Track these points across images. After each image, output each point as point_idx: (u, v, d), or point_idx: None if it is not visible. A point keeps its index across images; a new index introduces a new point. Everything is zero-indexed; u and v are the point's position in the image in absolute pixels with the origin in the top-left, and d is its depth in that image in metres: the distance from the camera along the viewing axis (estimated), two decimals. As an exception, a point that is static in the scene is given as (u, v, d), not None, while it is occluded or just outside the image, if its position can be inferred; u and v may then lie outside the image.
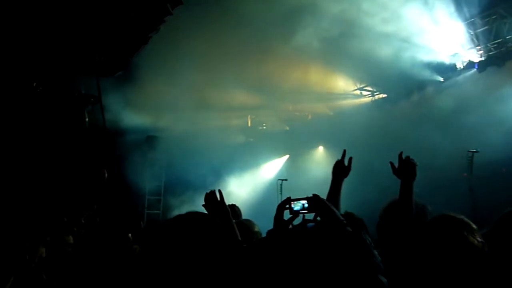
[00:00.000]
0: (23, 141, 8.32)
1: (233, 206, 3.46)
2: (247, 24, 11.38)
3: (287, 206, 2.16)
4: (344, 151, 2.84)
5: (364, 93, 14.90)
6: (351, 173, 2.82)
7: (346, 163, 2.82)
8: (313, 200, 2.07)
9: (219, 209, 2.53)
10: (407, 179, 2.57)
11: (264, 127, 16.93)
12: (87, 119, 10.19)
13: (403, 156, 2.66)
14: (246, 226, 2.89)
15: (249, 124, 16.35)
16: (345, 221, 1.85)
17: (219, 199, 2.61)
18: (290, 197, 2.19)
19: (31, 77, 8.30)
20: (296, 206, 2.14)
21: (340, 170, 2.79)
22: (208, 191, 2.66)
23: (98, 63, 9.28)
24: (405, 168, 2.58)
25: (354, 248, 1.68)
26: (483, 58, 11.44)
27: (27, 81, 8.19)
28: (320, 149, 15.65)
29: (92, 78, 9.68)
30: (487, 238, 2.02)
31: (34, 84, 8.26)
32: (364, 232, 1.76)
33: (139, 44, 8.88)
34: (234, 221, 2.56)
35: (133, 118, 12.13)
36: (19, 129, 8.24)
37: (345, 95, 14.81)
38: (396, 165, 2.67)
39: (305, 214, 2.08)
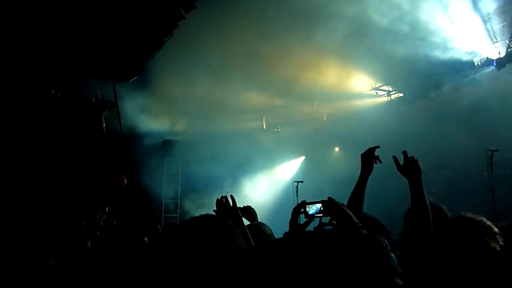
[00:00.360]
0: (41, 146, 8.49)
1: (248, 208, 3.46)
2: (261, 24, 11.41)
3: (302, 210, 2.15)
4: (375, 147, 2.77)
5: (380, 93, 14.73)
6: (372, 174, 2.76)
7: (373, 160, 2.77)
8: (328, 204, 2.05)
9: (232, 215, 2.52)
10: (413, 176, 2.51)
11: (279, 129, 16.90)
12: (104, 125, 10.37)
13: (408, 155, 2.60)
14: (259, 228, 2.87)
15: (264, 127, 16.33)
16: (360, 224, 1.83)
17: (231, 204, 2.61)
18: (305, 201, 2.18)
19: (49, 83, 8.48)
20: (311, 209, 2.13)
21: (367, 162, 2.72)
22: (219, 197, 2.66)
23: (114, 69, 9.44)
24: (409, 165, 2.52)
25: (370, 251, 1.65)
26: (501, 55, 11.20)
27: (45, 88, 8.37)
28: (336, 150, 15.56)
29: (109, 84, 9.85)
30: (504, 232, 1.96)
31: (52, 91, 8.44)
32: (380, 235, 1.73)
33: (153, 49, 9.01)
34: (249, 223, 2.55)
35: (149, 123, 12.26)
36: (38, 134, 8.42)
37: (361, 95, 14.67)
38: (401, 162, 2.62)
39: (321, 218, 2.06)
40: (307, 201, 2.18)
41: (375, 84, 14.29)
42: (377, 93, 14.61)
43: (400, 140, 11.00)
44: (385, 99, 14.75)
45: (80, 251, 3.42)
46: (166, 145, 14.29)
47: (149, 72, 10.49)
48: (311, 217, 2.11)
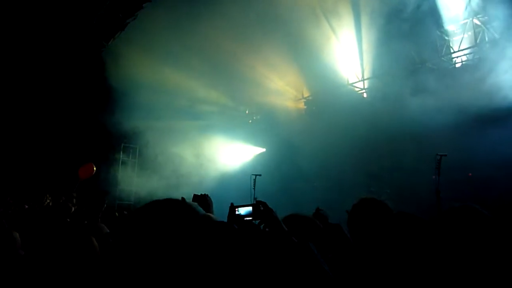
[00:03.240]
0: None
1: (205, 196, 3.42)
2: (224, 18, 11.64)
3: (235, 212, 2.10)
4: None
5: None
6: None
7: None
8: (258, 207, 1.99)
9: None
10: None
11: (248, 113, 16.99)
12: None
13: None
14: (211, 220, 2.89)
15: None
16: (287, 231, 1.84)
17: (208, 203, 2.65)
18: (232, 204, 2.14)
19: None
20: (243, 211, 2.09)
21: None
22: (198, 194, 2.68)
23: (75, 47, 9.03)
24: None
25: (299, 257, 1.66)
26: (457, 65, 11.78)
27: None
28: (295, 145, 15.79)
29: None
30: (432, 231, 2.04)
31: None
32: (311, 243, 1.74)
33: (116, 30, 8.70)
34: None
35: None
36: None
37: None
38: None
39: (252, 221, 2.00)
40: (236, 205, 2.13)
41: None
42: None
43: (357, 141, 11.37)
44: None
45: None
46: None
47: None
48: (240, 218, 2.06)
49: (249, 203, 2.09)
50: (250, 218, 2.03)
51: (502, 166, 8.71)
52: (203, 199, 3.36)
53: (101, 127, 11.92)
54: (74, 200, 6.45)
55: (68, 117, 10.07)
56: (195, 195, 3.10)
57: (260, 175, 11.09)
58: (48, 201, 6.08)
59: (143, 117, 13.05)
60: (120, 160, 14.72)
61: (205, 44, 13.59)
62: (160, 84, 12.47)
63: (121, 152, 14.75)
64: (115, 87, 11.37)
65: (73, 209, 5.63)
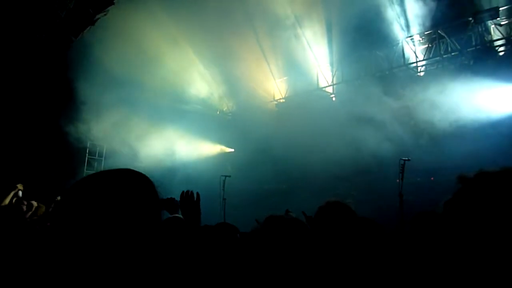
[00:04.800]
0: None
1: (171, 200, 3.42)
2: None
3: None
4: None
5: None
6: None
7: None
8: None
9: (193, 210, 2.58)
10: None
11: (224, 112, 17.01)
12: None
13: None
14: (179, 220, 2.92)
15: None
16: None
17: (195, 199, 2.64)
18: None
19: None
20: None
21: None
22: (185, 191, 2.69)
23: (39, 41, 8.72)
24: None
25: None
26: (422, 74, 12.25)
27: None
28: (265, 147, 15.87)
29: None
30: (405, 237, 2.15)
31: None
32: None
33: (85, 25, 8.48)
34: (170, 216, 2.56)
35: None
36: None
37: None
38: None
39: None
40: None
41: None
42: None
43: (326, 144, 11.59)
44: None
45: None
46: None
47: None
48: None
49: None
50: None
51: (461, 170, 9.11)
52: (170, 203, 3.37)
53: (65, 126, 11.65)
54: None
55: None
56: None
57: (229, 176, 11.06)
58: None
59: (111, 113, 12.83)
60: (86, 159, 14.34)
61: (176, 42, 13.57)
62: (129, 82, 12.27)
63: (87, 152, 14.37)
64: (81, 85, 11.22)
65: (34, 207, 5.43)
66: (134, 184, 1.15)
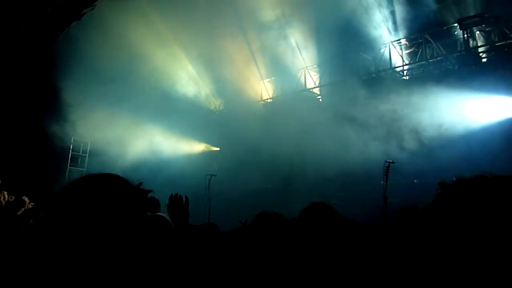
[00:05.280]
0: None
1: (153, 199, 3.41)
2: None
3: None
4: None
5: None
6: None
7: None
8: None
9: (181, 213, 2.58)
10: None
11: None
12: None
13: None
14: (163, 219, 2.91)
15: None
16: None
17: (184, 202, 2.64)
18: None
19: None
20: None
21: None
22: (174, 194, 2.69)
23: (23, 35, 8.55)
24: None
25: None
26: (408, 78, 12.42)
27: None
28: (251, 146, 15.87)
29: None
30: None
31: None
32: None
33: (72, 19, 8.35)
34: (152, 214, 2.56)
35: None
36: None
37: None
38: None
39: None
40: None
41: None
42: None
43: (313, 145, 11.65)
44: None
45: None
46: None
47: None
48: None
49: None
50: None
51: (444, 173, 9.26)
52: (152, 202, 3.37)
53: (48, 122, 11.48)
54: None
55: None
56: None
57: (215, 175, 11.01)
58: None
59: (95, 110, 12.67)
60: (70, 155, 14.14)
61: (163, 40, 13.50)
62: (115, 78, 12.14)
63: (71, 147, 14.16)
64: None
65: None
66: (118, 188, 1.21)
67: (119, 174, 1.26)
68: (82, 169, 14.25)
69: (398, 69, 12.60)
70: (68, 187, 1.18)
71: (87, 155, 14.58)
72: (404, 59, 12.47)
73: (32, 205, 5.33)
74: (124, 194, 1.20)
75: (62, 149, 13.63)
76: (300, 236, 2.32)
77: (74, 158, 14.33)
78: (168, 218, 2.93)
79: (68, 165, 14.04)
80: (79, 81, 11.27)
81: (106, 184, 1.20)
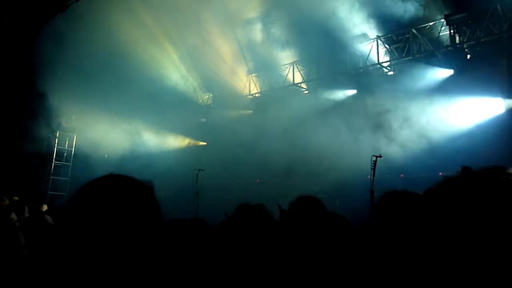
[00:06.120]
0: None
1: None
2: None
3: None
4: None
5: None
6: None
7: None
8: None
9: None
10: None
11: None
12: None
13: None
14: None
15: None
16: None
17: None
18: None
19: None
20: None
21: None
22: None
23: (6, 26, 8.36)
24: None
25: None
26: (395, 73, 12.51)
27: None
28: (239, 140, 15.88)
29: None
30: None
31: None
32: None
33: (56, 10, 8.18)
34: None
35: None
36: None
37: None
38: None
39: None
40: None
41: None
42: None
43: (300, 139, 11.69)
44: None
45: None
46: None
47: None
48: None
49: None
50: None
51: (428, 168, 9.36)
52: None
53: (30, 116, 11.30)
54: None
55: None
56: None
57: (203, 169, 10.96)
58: None
59: (79, 103, 12.48)
60: (55, 149, 13.94)
61: (149, 33, 13.36)
62: (100, 72, 11.94)
63: (56, 141, 13.94)
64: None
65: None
66: (136, 189, 1.23)
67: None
68: (68, 163, 14.11)
69: (385, 64, 12.66)
70: (87, 188, 1.18)
71: (73, 148, 14.40)
72: (392, 54, 12.54)
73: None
74: (145, 196, 1.21)
75: (47, 145, 13.46)
76: (281, 228, 2.33)
77: (58, 153, 14.15)
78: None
79: (53, 159, 13.85)
80: (61, 75, 11.01)
81: (128, 185, 1.21)
